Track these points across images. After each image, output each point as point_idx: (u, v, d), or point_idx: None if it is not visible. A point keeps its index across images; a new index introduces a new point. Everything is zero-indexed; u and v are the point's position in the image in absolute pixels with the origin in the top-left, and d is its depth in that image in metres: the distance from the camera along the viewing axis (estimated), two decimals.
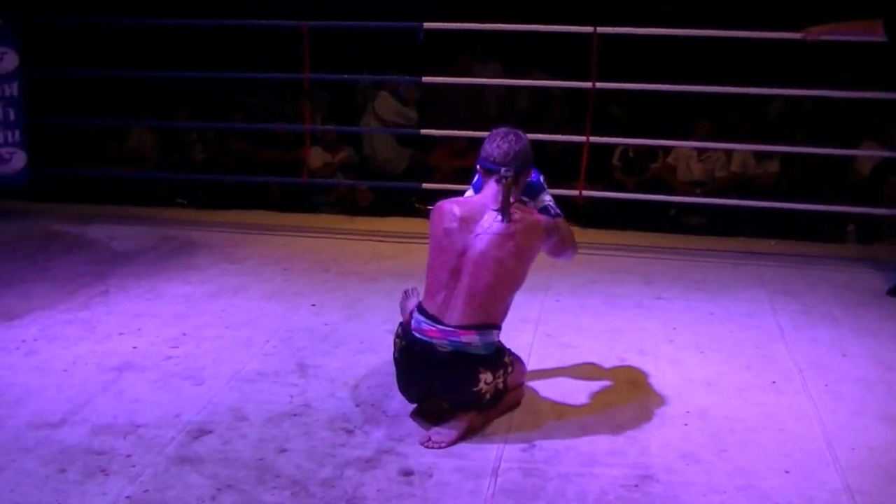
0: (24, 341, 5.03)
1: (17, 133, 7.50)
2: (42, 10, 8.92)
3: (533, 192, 4.39)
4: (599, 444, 4.03)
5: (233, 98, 10.18)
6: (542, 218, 4.26)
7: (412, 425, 4.15)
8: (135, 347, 4.98)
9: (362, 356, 4.91)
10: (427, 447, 3.97)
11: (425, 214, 4.81)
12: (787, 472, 3.83)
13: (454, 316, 4.04)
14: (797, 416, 4.32)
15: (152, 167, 9.64)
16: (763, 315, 5.65)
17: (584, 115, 7.20)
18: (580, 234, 7.52)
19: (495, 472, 3.79)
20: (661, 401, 4.45)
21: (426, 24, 7.04)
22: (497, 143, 4.22)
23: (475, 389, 4.04)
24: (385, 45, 9.78)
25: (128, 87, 10.01)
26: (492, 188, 4.19)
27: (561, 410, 4.33)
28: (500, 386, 4.12)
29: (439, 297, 4.08)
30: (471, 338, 4.03)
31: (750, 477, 3.78)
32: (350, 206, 8.82)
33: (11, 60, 7.41)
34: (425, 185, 7.69)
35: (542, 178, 4.44)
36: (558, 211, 4.40)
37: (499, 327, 4.15)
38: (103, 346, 5.01)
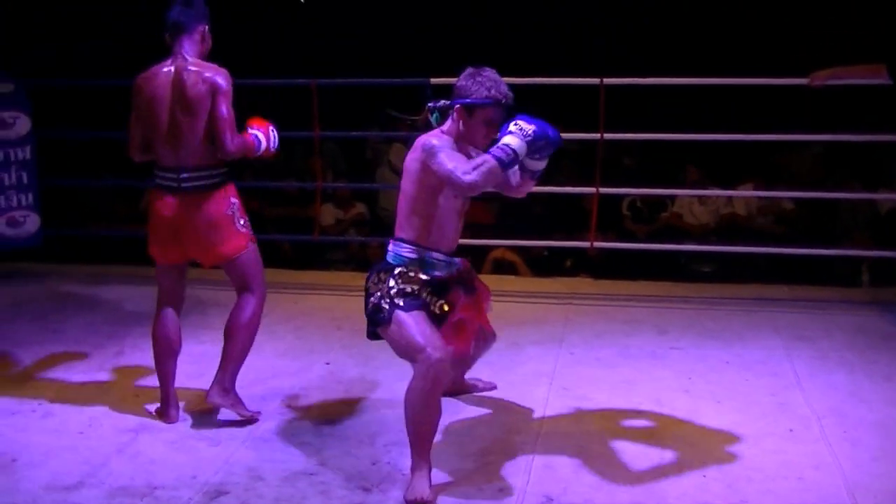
0: (39, 404, 5.04)
1: (31, 196, 7.56)
2: (52, 72, 8.99)
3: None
4: (618, 496, 4.01)
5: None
6: (424, 138, 4.29)
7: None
8: (150, 408, 4.98)
9: (377, 413, 4.90)
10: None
11: None
12: None
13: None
14: (816, 464, 4.29)
15: None
16: (778, 362, 5.63)
17: (593, 167, 7.22)
18: (593, 285, 7.57)
19: None
20: (678, 451, 4.43)
21: (433, 79, 7.07)
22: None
23: (366, 286, 4.33)
24: (394, 100, 9.84)
25: None
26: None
27: (578, 463, 4.31)
28: (381, 303, 4.21)
29: None
30: (390, 246, 4.39)
31: None
32: (363, 262, 8.83)
33: (24, 125, 7.49)
34: None
35: (509, 126, 4.12)
36: (501, 152, 4.03)
37: (404, 241, 4.36)
38: (119, 407, 5.02)
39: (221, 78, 4.66)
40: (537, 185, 4.56)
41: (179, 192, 4.72)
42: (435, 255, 4.30)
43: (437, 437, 4.42)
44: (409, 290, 4.20)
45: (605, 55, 10.56)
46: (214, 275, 7.76)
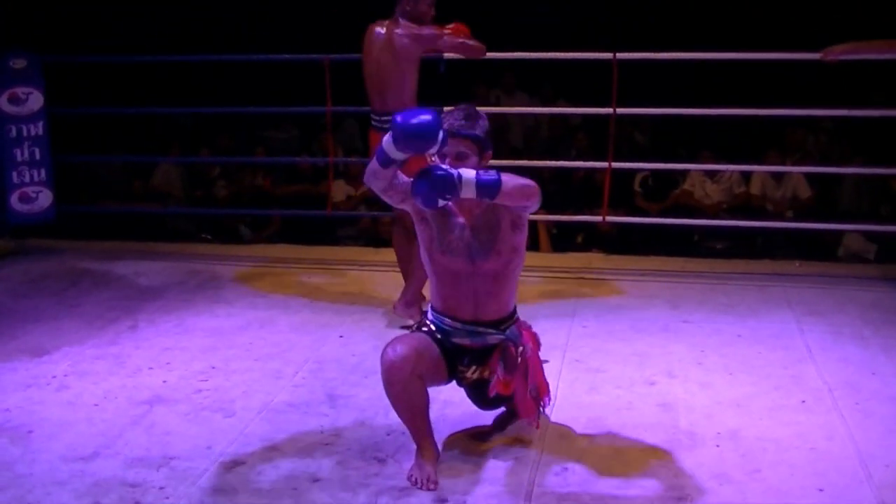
0: (54, 377, 5.06)
1: (44, 172, 7.56)
2: (65, 48, 8.99)
3: None
4: (632, 466, 4.02)
5: (257, 133, 10.26)
6: None
7: (443, 454, 4.13)
8: (165, 381, 5.00)
9: None
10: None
11: None
12: (820, 490, 3.82)
13: None
14: (829, 435, 4.30)
15: (177, 203, 9.70)
16: (791, 336, 5.63)
17: (605, 143, 7.20)
18: (605, 260, 7.57)
19: (529, 497, 3.79)
20: (692, 422, 4.44)
21: (447, 55, 7.06)
22: None
23: None
24: None
25: (152, 123, 10.09)
26: None
27: (593, 434, 4.34)
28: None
29: None
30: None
31: (784, 496, 3.78)
32: (374, 238, 8.85)
33: (36, 100, 7.48)
34: None
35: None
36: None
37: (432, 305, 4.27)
38: (133, 380, 5.03)
39: (425, 30, 5.63)
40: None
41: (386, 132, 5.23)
42: (449, 321, 4.11)
43: (452, 409, 4.50)
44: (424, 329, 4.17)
45: (619, 30, 10.55)
46: (230, 251, 7.84)
